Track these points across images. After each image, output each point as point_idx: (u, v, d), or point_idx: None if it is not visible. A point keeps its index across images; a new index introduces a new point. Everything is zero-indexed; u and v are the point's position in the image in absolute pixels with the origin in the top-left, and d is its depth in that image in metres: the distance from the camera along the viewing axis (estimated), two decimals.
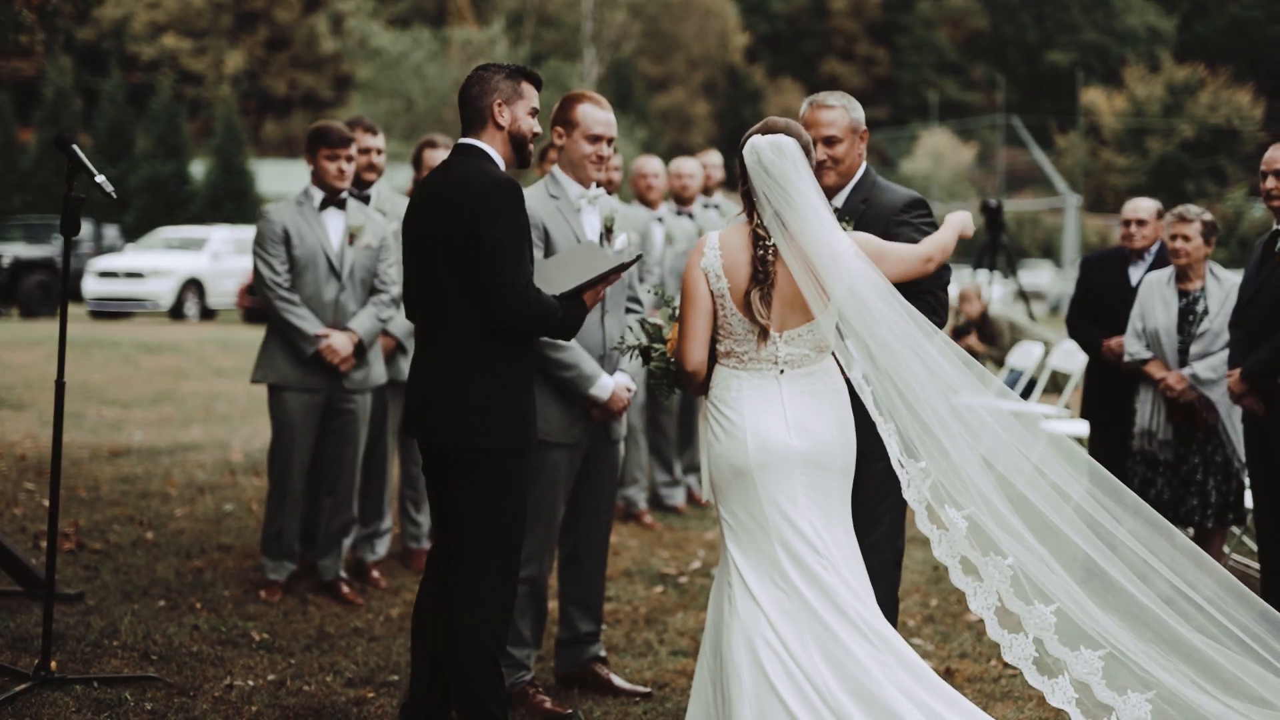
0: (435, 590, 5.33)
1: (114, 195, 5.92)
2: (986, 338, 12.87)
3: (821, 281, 4.92)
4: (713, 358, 5.12)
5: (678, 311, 5.25)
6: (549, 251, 5.89)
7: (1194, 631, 4.99)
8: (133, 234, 40.77)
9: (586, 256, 5.40)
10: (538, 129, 5.40)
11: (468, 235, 5.04)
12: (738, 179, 5.10)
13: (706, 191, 10.93)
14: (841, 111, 5.47)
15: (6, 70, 51.66)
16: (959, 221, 5.55)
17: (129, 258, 32.42)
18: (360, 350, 7.63)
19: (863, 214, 5.54)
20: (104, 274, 31.34)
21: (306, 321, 7.51)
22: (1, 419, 13.48)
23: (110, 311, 31.27)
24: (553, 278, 5.27)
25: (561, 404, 5.96)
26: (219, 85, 61.82)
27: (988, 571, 4.92)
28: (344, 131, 7.69)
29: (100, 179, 5.89)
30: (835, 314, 4.97)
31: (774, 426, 4.96)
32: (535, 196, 5.98)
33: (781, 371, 5.01)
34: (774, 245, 4.93)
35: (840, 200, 5.59)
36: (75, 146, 5.98)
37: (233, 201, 46.36)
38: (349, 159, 7.63)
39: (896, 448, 4.99)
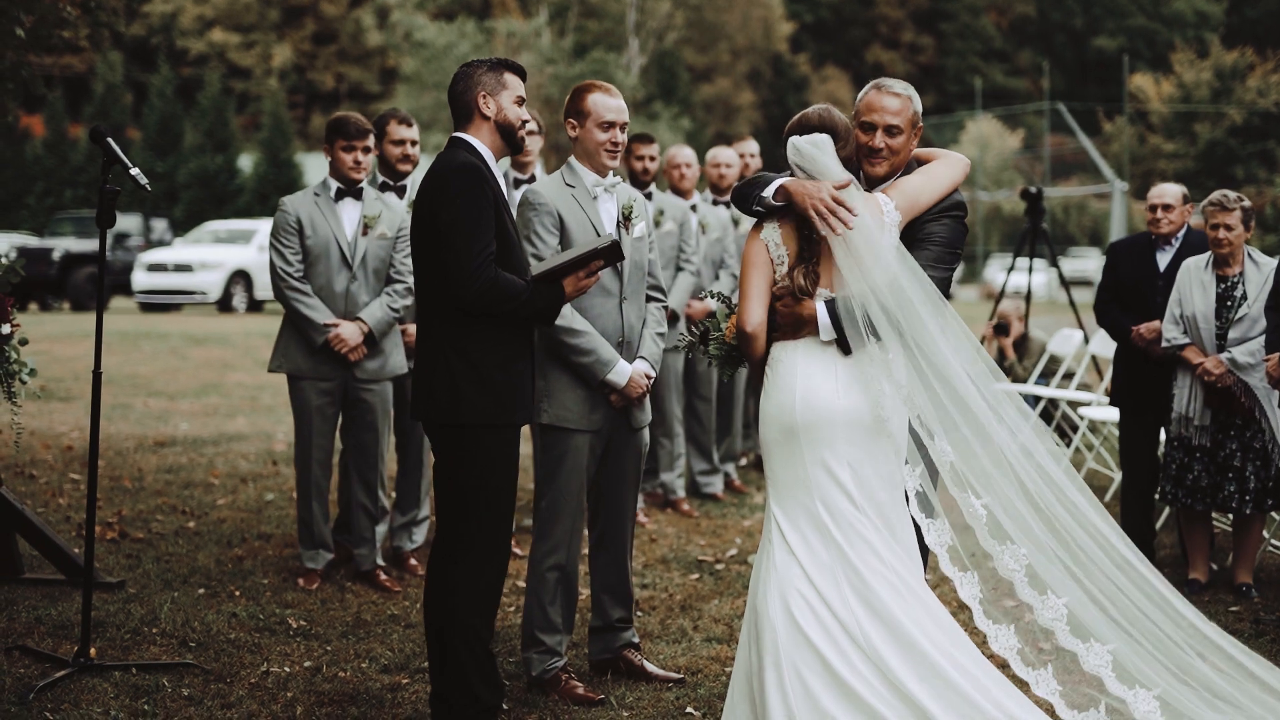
0: (430, 571, 5.46)
1: (149, 187, 5.99)
2: (1020, 351, 12.86)
3: (858, 270, 5.07)
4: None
5: (734, 307, 5.47)
6: (564, 239, 5.97)
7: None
8: (181, 227, 41.13)
9: (584, 246, 5.53)
10: (526, 117, 5.61)
11: (429, 219, 5.27)
12: (789, 169, 5.30)
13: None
14: (907, 102, 5.43)
15: (57, 67, 52.17)
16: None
17: (178, 251, 32.66)
18: (371, 340, 7.68)
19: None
20: (153, 267, 31.58)
21: (316, 311, 7.58)
22: (50, 410, 13.62)
23: (159, 304, 31.53)
24: (541, 263, 5.50)
25: (581, 390, 6.01)
26: (266, 79, 62.31)
27: (1003, 560, 4.97)
28: (361, 123, 7.74)
29: (134, 171, 5.95)
30: (866, 296, 5.06)
31: (823, 387, 5.11)
32: (551, 185, 6.10)
33: (813, 332, 5.16)
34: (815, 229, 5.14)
35: None
36: (110, 139, 6.03)
37: (280, 194, 46.34)
38: (366, 150, 7.68)
39: (918, 429, 5.08)
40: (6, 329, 6.85)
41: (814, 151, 5.19)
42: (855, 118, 5.44)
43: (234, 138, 50.57)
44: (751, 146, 11.17)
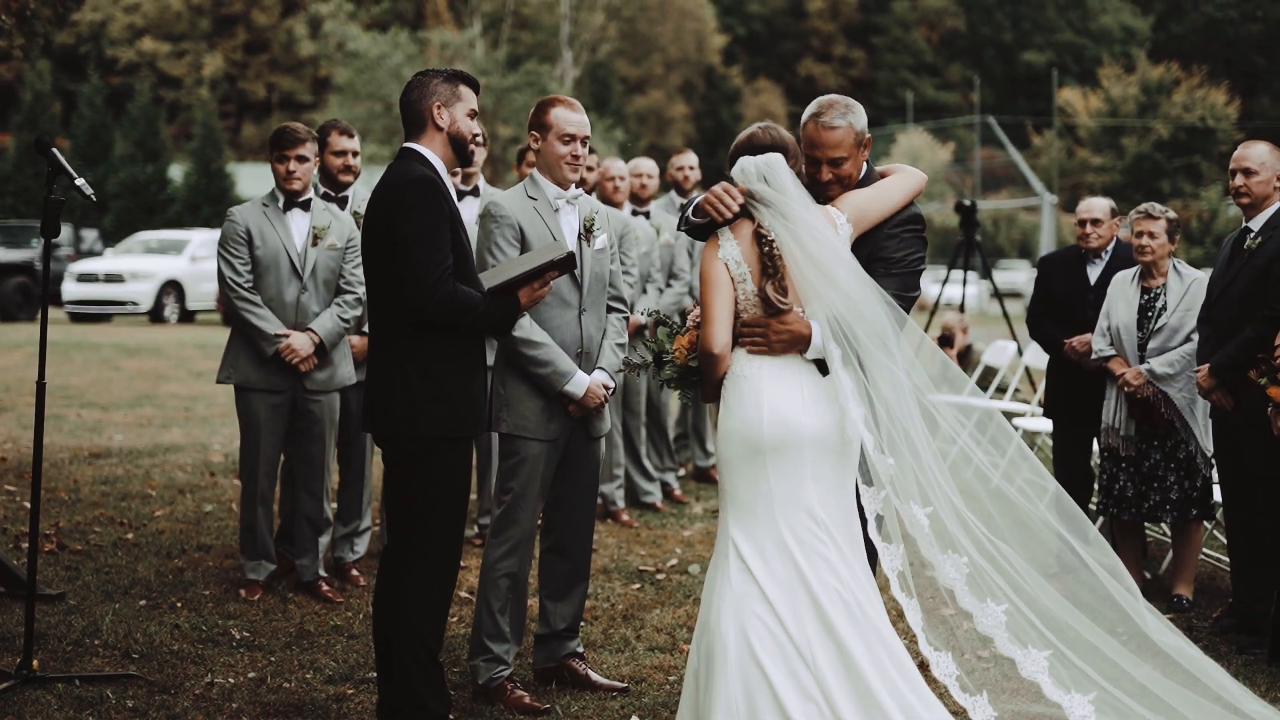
0: (380, 581, 5.49)
1: (94, 198, 6.00)
2: (963, 363, 13.01)
3: (814, 287, 5.09)
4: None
5: (676, 327, 5.45)
6: (524, 251, 6.01)
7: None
8: (112, 237, 40.72)
9: (531, 255, 5.57)
10: (477, 130, 5.66)
11: (385, 231, 5.28)
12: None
13: (681, 191, 10.99)
14: (846, 130, 5.35)
15: None
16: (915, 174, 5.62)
17: (108, 261, 32.36)
18: (322, 351, 7.69)
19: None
20: (83, 277, 31.28)
21: (267, 322, 7.59)
22: None
23: (90, 315, 31.24)
24: (496, 275, 5.48)
25: (539, 400, 6.06)
26: (197, 88, 61.84)
27: (944, 569, 5.02)
28: (294, 132, 7.73)
29: (80, 182, 5.96)
30: (826, 312, 5.08)
31: (790, 405, 5.07)
32: (513, 198, 6.15)
33: (801, 351, 5.13)
34: (776, 241, 5.10)
35: None
36: (55, 149, 6.03)
37: (211, 204, 46.33)
38: (300, 159, 7.67)
39: (870, 443, 5.08)
40: None
41: (766, 170, 5.18)
42: (802, 146, 5.43)
43: (165, 147, 50.16)
44: (690, 159, 11.23)
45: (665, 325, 5.55)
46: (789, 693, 4.87)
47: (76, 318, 31.24)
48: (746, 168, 5.23)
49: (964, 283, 13.18)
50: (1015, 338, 12.68)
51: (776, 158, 5.22)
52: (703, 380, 5.30)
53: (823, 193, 5.37)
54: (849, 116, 5.38)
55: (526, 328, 5.99)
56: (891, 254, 5.44)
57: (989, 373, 12.75)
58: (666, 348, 5.45)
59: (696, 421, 11.67)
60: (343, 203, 8.17)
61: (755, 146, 5.27)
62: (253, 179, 48.87)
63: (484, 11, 55.63)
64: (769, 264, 5.11)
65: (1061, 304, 8.71)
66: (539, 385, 6.05)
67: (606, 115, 53.99)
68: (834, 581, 4.97)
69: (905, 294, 5.39)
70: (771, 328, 5.10)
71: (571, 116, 6.14)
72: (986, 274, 13.84)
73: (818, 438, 5.07)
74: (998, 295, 13.78)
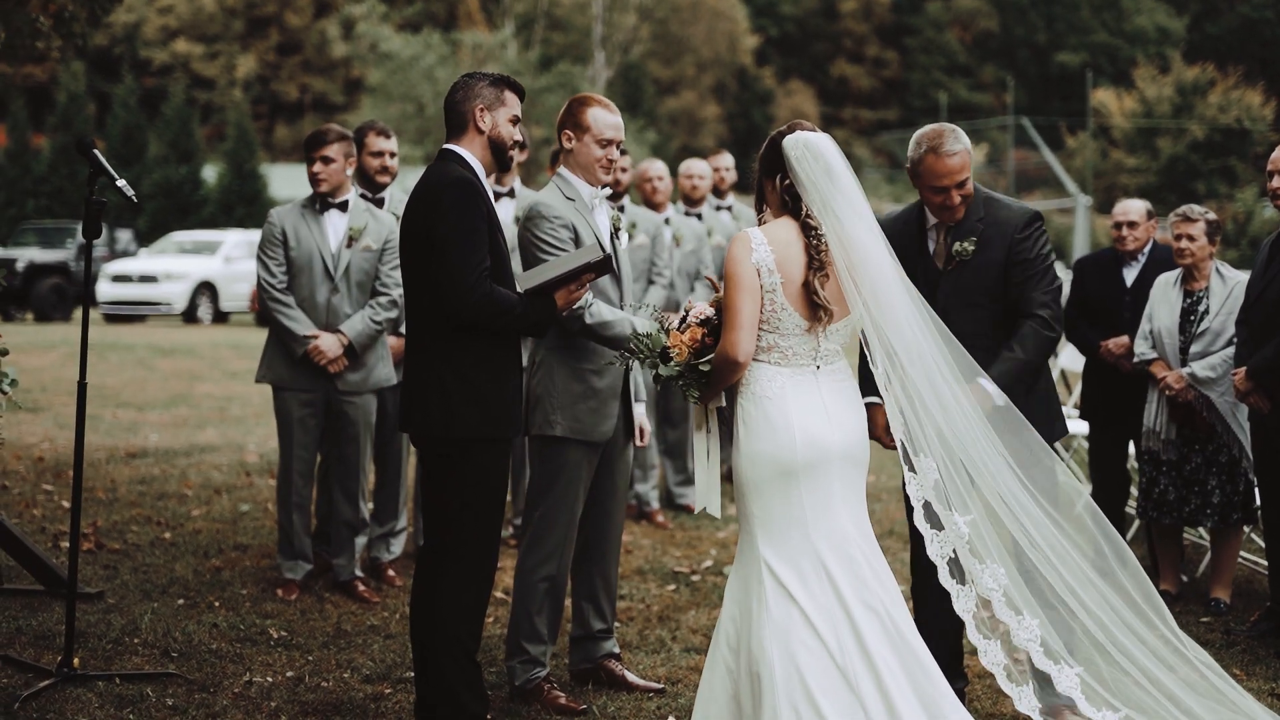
0: (417, 583, 5.51)
1: (135, 199, 6.03)
2: None
3: (855, 275, 5.00)
4: None
5: (669, 323, 5.31)
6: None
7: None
8: (146, 238, 40.94)
9: (568, 258, 5.55)
10: (519, 136, 5.62)
11: (423, 232, 5.30)
12: (756, 180, 5.19)
13: (718, 193, 11.02)
14: (964, 153, 5.69)
15: (18, 76, 51.89)
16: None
17: (142, 262, 32.54)
18: (352, 353, 7.71)
19: (982, 232, 5.84)
20: (118, 278, 31.46)
21: (297, 323, 7.62)
22: (18, 421, 13.56)
23: (124, 315, 31.41)
24: (533, 278, 5.47)
25: (592, 401, 6.05)
26: (231, 90, 62.07)
27: (982, 579, 5.01)
28: (323, 134, 7.75)
29: (121, 183, 6.00)
30: (863, 308, 5.04)
31: (818, 423, 5.00)
32: (556, 198, 6.10)
33: (818, 367, 5.07)
34: (824, 235, 4.99)
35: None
36: (96, 151, 6.06)
37: (245, 205, 46.50)
38: (325, 160, 7.69)
39: (907, 446, 5.08)
40: None
41: (824, 145, 5.04)
42: (917, 178, 5.70)
43: (198, 148, 50.32)
44: (726, 160, 11.23)
45: (659, 322, 5.40)
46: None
47: (111, 318, 31.42)
48: (804, 137, 5.06)
49: None
50: None
51: (822, 142, 5.07)
52: (710, 384, 5.16)
53: (951, 216, 5.73)
54: (961, 140, 5.72)
55: (598, 313, 5.96)
56: (1029, 254, 5.74)
57: None
58: (664, 343, 5.26)
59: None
60: (380, 204, 8.20)
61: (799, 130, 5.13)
62: (286, 180, 49.01)
63: (516, 12, 55.75)
64: (815, 257, 4.98)
65: (1098, 306, 8.66)
66: (592, 383, 6.06)
67: (639, 116, 53.99)
68: (873, 600, 4.92)
69: (1051, 287, 5.76)
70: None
71: (609, 119, 6.11)
72: None
73: (846, 453, 5.05)
74: None
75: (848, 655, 4.85)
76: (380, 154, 8.21)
